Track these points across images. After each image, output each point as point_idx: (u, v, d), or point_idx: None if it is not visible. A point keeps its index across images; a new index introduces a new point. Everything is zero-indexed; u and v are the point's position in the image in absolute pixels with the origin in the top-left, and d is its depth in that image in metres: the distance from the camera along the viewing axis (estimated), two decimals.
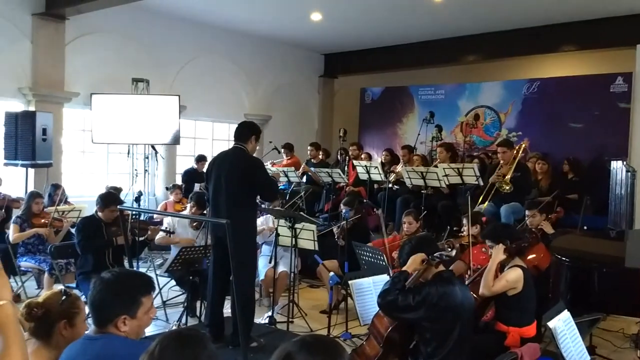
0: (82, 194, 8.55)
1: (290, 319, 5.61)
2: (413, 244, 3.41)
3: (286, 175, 8.85)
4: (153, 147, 8.98)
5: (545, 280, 4.71)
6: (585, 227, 6.72)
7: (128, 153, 8.90)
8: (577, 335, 2.95)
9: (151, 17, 9.37)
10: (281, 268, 6.05)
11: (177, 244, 6.03)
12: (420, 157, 8.89)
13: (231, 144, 5.07)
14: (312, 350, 1.49)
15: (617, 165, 7.27)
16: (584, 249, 5.07)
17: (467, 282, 4.13)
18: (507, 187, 6.86)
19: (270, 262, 6.14)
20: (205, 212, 6.34)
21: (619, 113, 8.91)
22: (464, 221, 5.35)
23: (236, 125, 5.09)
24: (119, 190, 7.52)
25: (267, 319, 5.61)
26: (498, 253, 3.93)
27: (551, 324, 2.78)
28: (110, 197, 5.55)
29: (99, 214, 5.37)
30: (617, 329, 5.47)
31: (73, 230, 5.96)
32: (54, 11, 7.90)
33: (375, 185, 8.60)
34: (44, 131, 7.39)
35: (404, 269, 3.29)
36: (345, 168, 8.97)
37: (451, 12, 8.94)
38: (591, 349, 4.64)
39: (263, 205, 6.94)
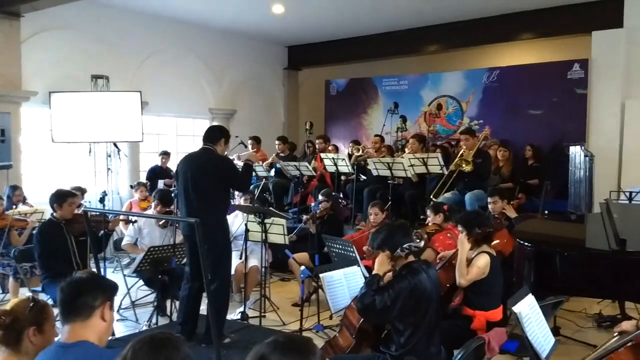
0: (44, 195, 8.34)
1: (263, 314, 5.64)
2: (387, 232, 3.31)
3: (254, 170, 8.81)
4: (115, 144, 8.82)
5: (509, 265, 4.84)
6: (546, 212, 6.90)
7: (90, 152, 8.73)
8: (542, 318, 3.02)
9: (109, 12, 9.16)
10: (252, 262, 6.06)
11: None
12: (387, 147, 9.01)
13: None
14: (285, 350, 1.52)
15: (575, 150, 7.46)
16: (545, 233, 5.20)
17: (436, 268, 4.21)
18: (468, 167, 7.00)
19: (240, 258, 6.14)
20: (170, 209, 6.30)
21: (577, 99, 9.11)
22: (428, 212, 5.78)
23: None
24: (83, 190, 7.38)
25: (239, 314, 5.62)
26: (463, 244, 4.05)
27: (516, 308, 2.83)
28: (63, 192, 5.45)
29: (57, 213, 5.26)
30: (580, 309, 5.67)
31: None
32: (7, 8, 7.63)
33: (343, 177, 8.66)
34: (3, 132, 7.25)
35: (374, 272, 3.25)
36: (313, 161, 8.99)
37: (412, 2, 9.03)
38: (555, 330, 4.81)
39: (232, 202, 6.90)
